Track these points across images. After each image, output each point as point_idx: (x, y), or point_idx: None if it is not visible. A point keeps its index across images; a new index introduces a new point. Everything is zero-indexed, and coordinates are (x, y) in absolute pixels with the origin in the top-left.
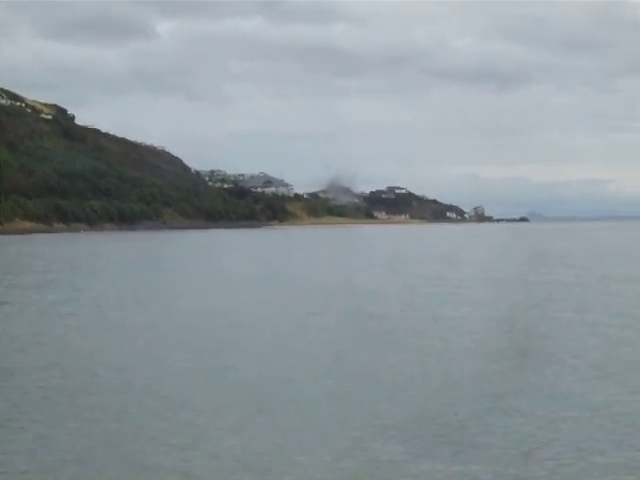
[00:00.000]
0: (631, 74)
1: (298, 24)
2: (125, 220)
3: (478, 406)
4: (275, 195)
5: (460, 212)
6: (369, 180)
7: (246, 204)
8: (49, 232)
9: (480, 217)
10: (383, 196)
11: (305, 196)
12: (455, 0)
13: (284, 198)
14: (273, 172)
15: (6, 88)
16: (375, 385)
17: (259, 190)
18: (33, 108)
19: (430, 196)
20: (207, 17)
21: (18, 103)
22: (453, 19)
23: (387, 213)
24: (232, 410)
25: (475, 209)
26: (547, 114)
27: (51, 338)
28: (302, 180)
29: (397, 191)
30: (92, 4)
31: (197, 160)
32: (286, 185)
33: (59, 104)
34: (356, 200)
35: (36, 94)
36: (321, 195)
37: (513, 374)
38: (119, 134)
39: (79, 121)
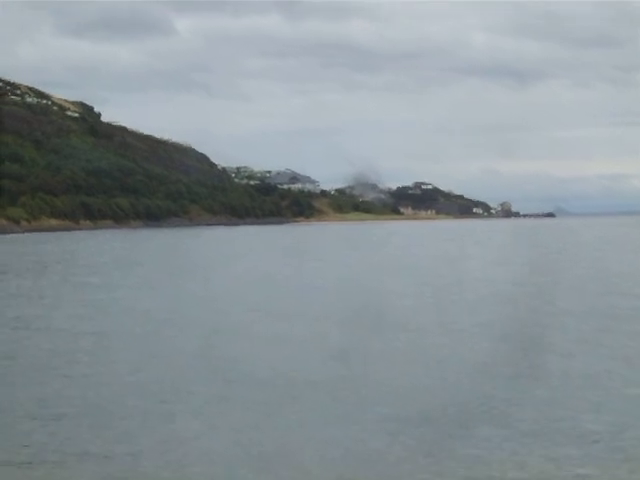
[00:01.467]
0: None
1: (315, 21)
2: (152, 217)
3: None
4: (301, 191)
5: (487, 208)
6: (395, 176)
7: (272, 200)
8: (76, 229)
9: (507, 213)
10: (409, 192)
11: (331, 192)
12: None
13: (310, 194)
14: (298, 168)
15: (32, 86)
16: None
17: (285, 187)
18: (59, 106)
19: (456, 192)
20: (224, 15)
21: (44, 101)
22: (470, 15)
23: (413, 209)
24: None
25: (502, 205)
26: (565, 110)
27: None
28: (328, 176)
29: (423, 187)
30: (109, 2)
31: (223, 157)
32: (312, 181)
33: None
34: (382, 196)
35: (57, 92)
36: (347, 191)
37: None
38: (144, 131)
39: (103, 119)
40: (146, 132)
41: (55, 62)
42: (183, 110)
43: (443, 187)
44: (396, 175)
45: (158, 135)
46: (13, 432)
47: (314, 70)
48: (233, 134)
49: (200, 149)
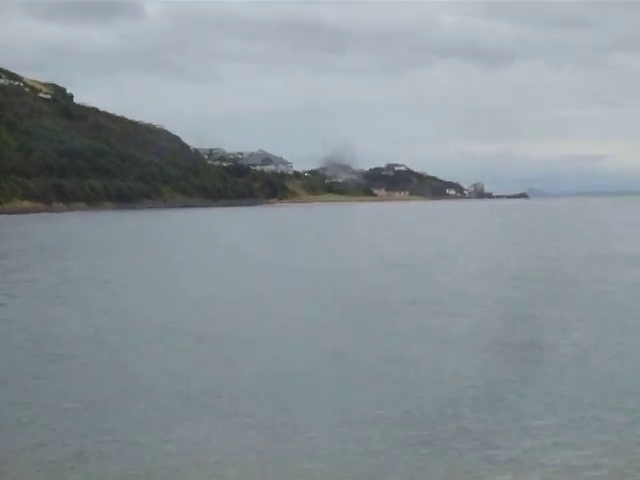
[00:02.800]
0: (621, 50)
1: (284, 3)
2: (124, 199)
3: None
4: (274, 173)
5: (460, 189)
6: (368, 158)
7: (245, 182)
8: (48, 212)
9: (480, 194)
10: (382, 173)
11: (304, 174)
12: None
13: (283, 176)
14: (271, 150)
15: (4, 67)
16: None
17: (258, 168)
18: (31, 87)
19: (430, 173)
20: None
21: (16, 82)
22: None
23: (387, 190)
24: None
25: (474, 186)
26: (539, 91)
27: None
28: (301, 158)
29: (396, 168)
30: None
31: (196, 139)
32: (285, 163)
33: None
34: (355, 177)
35: (28, 74)
36: (320, 172)
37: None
38: (116, 113)
39: (76, 100)
40: (118, 114)
41: (25, 44)
42: (155, 92)
43: (416, 168)
44: (369, 157)
45: (130, 117)
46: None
47: (285, 52)
48: (206, 115)
49: (173, 131)
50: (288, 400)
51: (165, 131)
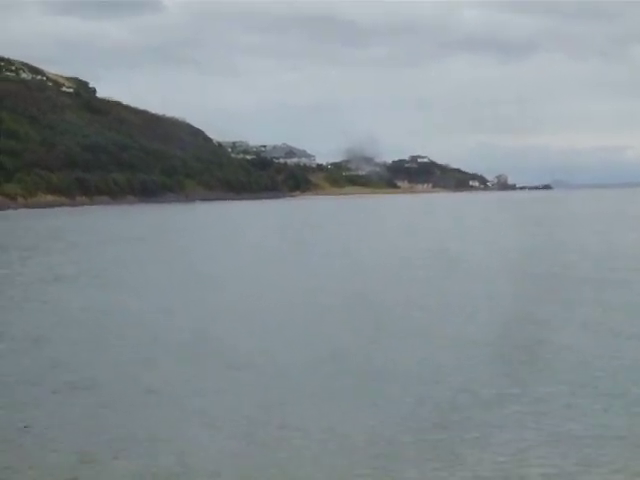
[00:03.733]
0: None
1: None
2: (148, 193)
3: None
4: (297, 165)
5: (483, 181)
6: (391, 150)
7: (268, 175)
8: (72, 205)
9: (503, 185)
10: (406, 165)
11: (327, 166)
12: None
13: (306, 168)
14: (294, 143)
15: (26, 62)
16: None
17: (281, 161)
18: (54, 82)
19: (453, 165)
20: None
21: (39, 77)
22: None
23: (410, 182)
24: None
25: (498, 177)
26: (559, 83)
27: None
28: (323, 150)
29: (419, 160)
30: None
31: (218, 132)
32: (308, 156)
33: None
34: (378, 169)
35: (49, 69)
36: (343, 165)
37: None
38: (140, 107)
39: (98, 94)
40: (141, 107)
41: (44, 39)
42: (175, 86)
43: (439, 160)
44: (392, 149)
45: (153, 110)
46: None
47: (304, 45)
48: (227, 109)
49: (195, 124)
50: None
51: (188, 124)
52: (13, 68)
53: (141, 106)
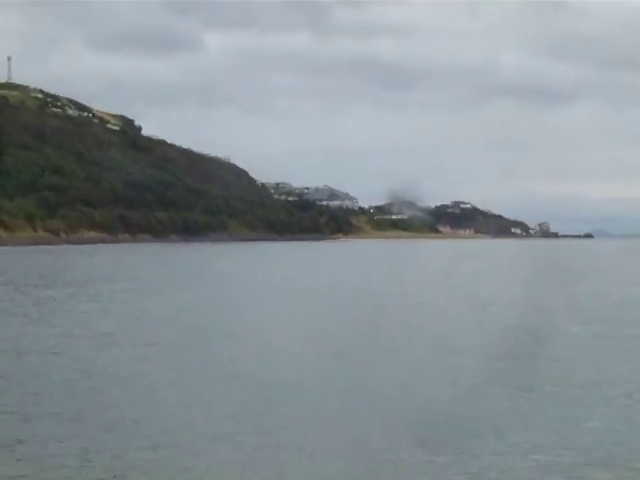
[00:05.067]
0: None
1: (344, 39)
2: (190, 231)
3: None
4: (340, 208)
5: (525, 228)
6: (433, 194)
7: (310, 217)
8: (114, 242)
9: (545, 233)
10: (448, 210)
11: (369, 209)
12: (501, 17)
13: (348, 211)
14: (336, 185)
15: (73, 99)
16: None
17: (324, 203)
18: (100, 119)
19: (495, 211)
20: (252, 32)
21: (85, 114)
22: (500, 36)
23: (452, 227)
24: None
25: (540, 225)
26: (599, 131)
27: None
28: (365, 193)
29: (462, 206)
30: (137, 17)
31: (260, 173)
32: (351, 198)
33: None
34: (420, 214)
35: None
36: (385, 208)
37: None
38: (184, 145)
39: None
40: (185, 146)
41: (86, 76)
42: (216, 126)
43: (481, 206)
44: (435, 194)
45: (196, 149)
46: None
47: (345, 88)
48: (269, 150)
49: (237, 164)
50: None
51: (232, 164)
52: (59, 104)
53: (184, 144)
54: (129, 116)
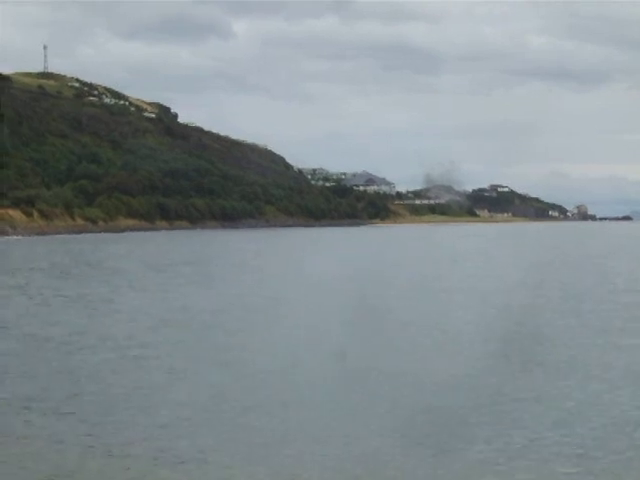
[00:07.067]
0: None
1: (371, 23)
2: (227, 218)
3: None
4: (377, 193)
5: (563, 211)
6: (471, 178)
7: (348, 202)
8: (152, 230)
9: (583, 216)
10: (485, 194)
11: (407, 194)
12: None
13: (386, 196)
14: (373, 170)
15: (109, 87)
16: None
17: (361, 189)
18: (137, 107)
19: (532, 194)
20: (279, 18)
21: (122, 102)
22: (526, 18)
23: (489, 211)
24: None
25: (578, 207)
26: (630, 113)
27: None
28: (402, 178)
29: (499, 189)
30: (163, 5)
31: (297, 158)
32: (388, 183)
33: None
34: (458, 198)
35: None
36: (423, 193)
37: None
38: (221, 132)
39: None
40: (222, 133)
41: (115, 65)
42: (247, 112)
43: (518, 190)
44: (472, 178)
45: (232, 136)
46: None
47: (374, 72)
48: (303, 135)
49: (275, 150)
50: None
51: (269, 151)
52: (96, 93)
53: (220, 131)
54: (164, 103)
